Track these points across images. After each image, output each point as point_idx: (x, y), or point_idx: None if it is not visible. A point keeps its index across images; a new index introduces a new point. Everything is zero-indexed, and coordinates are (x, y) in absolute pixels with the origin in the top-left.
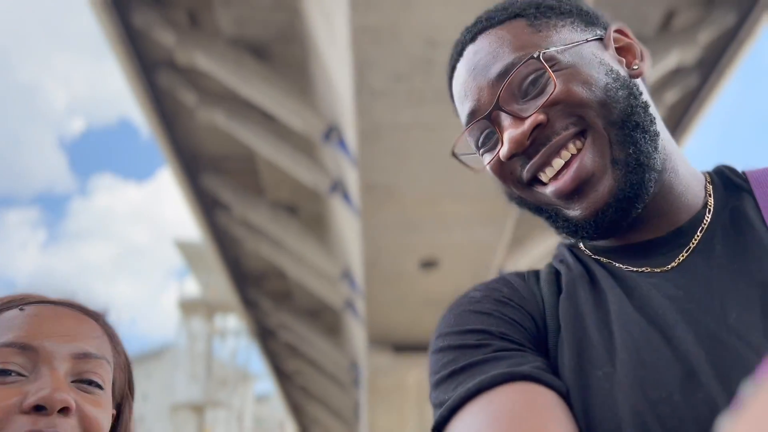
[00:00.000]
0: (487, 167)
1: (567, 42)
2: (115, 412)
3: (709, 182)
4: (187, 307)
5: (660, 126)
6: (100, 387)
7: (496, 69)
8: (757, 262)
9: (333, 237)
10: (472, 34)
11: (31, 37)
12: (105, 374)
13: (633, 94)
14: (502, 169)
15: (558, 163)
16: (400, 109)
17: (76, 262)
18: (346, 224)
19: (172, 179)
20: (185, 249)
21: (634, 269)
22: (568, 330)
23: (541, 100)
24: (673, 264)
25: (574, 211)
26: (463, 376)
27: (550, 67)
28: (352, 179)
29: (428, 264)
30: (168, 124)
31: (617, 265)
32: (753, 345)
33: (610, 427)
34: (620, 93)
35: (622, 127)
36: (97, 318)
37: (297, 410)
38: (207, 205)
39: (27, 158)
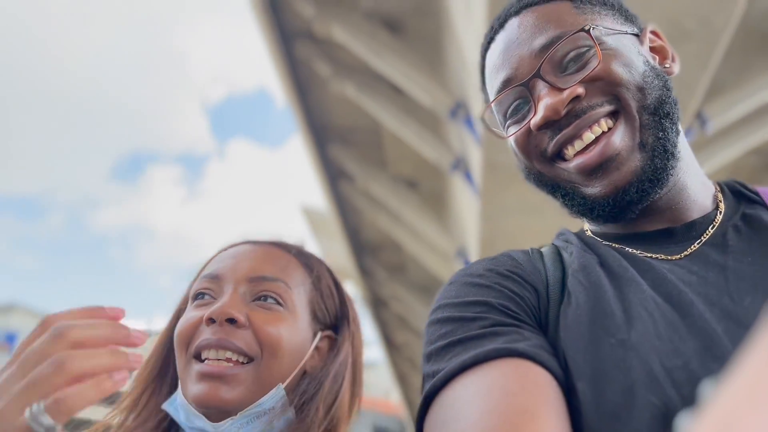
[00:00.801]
0: (511, 139)
1: (609, 28)
2: (333, 334)
3: (719, 191)
4: None
5: (680, 127)
6: (279, 304)
7: (540, 41)
8: None
9: (451, 215)
10: (516, 8)
11: (184, 5)
12: (285, 294)
13: (667, 86)
14: (527, 141)
15: (588, 136)
16: None
17: (210, 218)
18: (466, 203)
19: (302, 147)
20: (310, 215)
21: (648, 255)
22: (581, 299)
23: (582, 75)
24: (686, 253)
25: (594, 188)
26: (459, 348)
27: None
28: (475, 158)
29: None
30: (302, 93)
31: (628, 250)
32: None
33: (621, 389)
34: (656, 82)
35: (653, 113)
36: (289, 249)
37: (403, 381)
38: (332, 175)
39: (172, 120)
